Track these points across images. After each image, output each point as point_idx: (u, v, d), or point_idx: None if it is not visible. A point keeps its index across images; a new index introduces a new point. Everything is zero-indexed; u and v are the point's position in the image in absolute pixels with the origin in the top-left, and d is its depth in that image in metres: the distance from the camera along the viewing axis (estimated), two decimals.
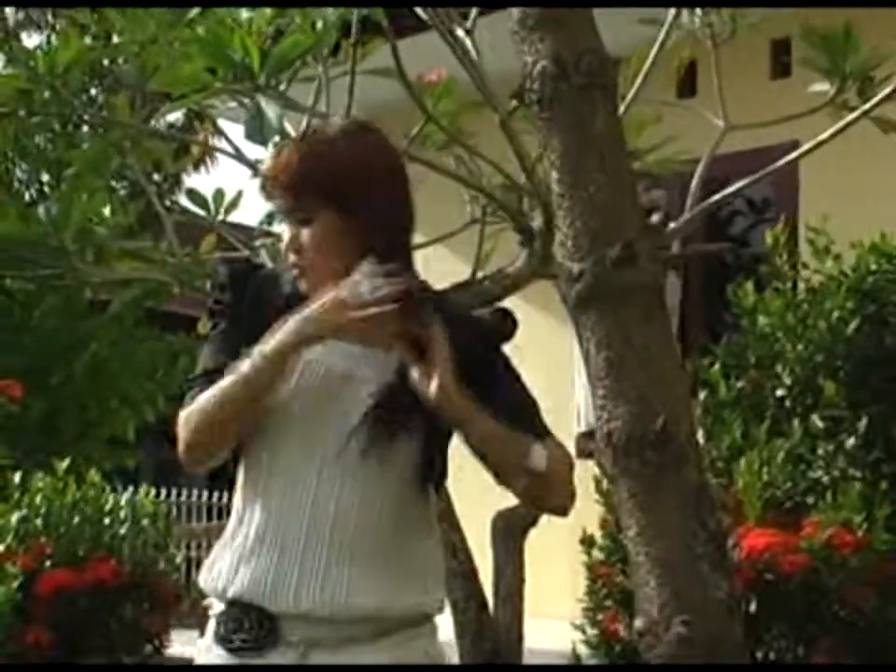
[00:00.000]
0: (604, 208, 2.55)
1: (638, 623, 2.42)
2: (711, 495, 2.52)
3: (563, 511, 2.13)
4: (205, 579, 2.14)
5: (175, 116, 15.83)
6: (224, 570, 2.12)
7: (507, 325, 2.21)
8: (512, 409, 2.10)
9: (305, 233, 2.09)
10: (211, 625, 2.15)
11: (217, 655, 2.13)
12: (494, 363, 2.15)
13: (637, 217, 2.58)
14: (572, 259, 2.55)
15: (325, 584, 2.06)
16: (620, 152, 2.64)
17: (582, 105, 2.59)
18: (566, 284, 2.57)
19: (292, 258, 2.12)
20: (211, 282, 2.30)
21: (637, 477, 2.49)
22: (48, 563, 4.82)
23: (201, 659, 2.16)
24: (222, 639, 2.11)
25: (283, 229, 2.16)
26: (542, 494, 2.13)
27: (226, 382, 2.07)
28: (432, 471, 2.14)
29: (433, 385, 2.02)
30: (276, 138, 3.93)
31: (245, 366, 2.06)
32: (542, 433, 2.11)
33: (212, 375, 2.12)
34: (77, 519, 4.89)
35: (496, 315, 2.22)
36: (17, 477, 5.18)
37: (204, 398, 2.10)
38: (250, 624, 2.10)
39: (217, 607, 2.14)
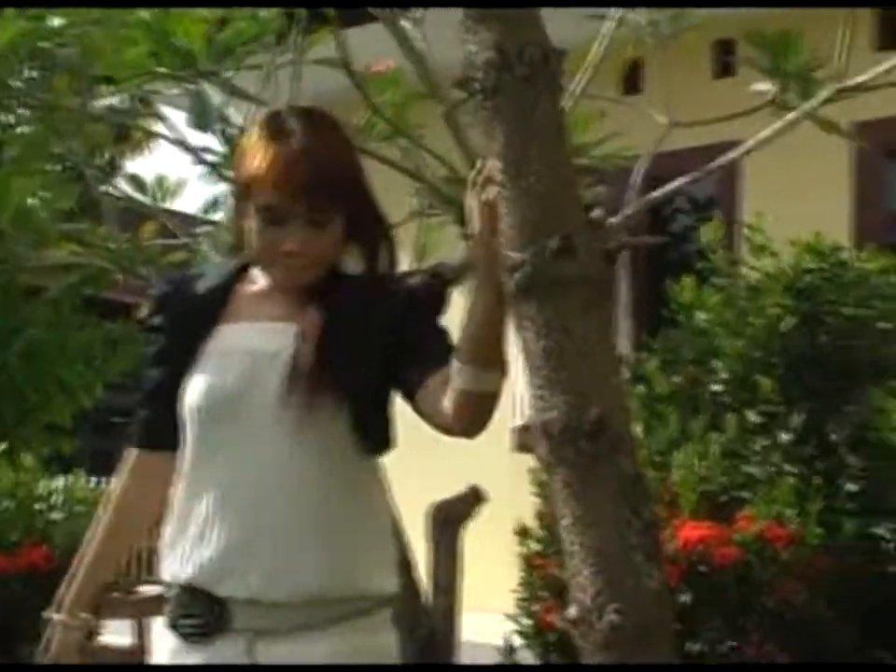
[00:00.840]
0: (544, 199, 2.56)
1: (572, 611, 2.44)
2: (646, 485, 2.54)
3: (475, 434, 2.16)
4: (162, 565, 2.16)
5: (116, 99, 15.68)
6: (177, 556, 2.14)
7: (436, 283, 2.28)
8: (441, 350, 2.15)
9: (318, 238, 2.12)
10: (165, 610, 2.17)
11: (169, 640, 2.15)
12: (425, 320, 2.20)
13: (577, 208, 2.59)
14: (512, 249, 2.56)
15: (270, 568, 2.08)
16: (561, 144, 2.65)
17: (525, 96, 2.60)
18: (505, 274, 2.58)
19: (294, 260, 2.13)
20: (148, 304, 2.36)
21: (571, 467, 2.51)
22: None
23: (156, 644, 2.19)
24: (172, 625, 2.14)
25: (254, 226, 2.14)
26: (475, 409, 2.15)
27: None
28: (367, 436, 2.15)
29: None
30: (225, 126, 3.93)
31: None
32: None
33: (151, 404, 2.24)
34: (10, 504, 4.85)
35: (424, 278, 2.29)
36: None
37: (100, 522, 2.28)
38: (199, 610, 2.12)
39: (171, 591, 2.16)
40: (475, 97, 2.59)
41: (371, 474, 2.21)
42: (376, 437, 2.19)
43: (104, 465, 18.04)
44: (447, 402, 2.13)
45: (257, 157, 2.13)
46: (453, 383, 2.12)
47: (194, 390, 2.15)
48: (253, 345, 2.15)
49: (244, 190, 2.16)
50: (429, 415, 2.16)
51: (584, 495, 2.43)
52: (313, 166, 2.10)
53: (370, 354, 2.14)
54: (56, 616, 2.26)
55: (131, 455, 2.30)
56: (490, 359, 2.16)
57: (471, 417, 2.16)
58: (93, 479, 13.89)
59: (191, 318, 2.21)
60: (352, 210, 2.15)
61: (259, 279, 2.23)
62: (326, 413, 2.11)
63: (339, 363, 2.11)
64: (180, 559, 2.13)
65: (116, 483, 2.30)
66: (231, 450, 2.12)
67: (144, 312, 2.39)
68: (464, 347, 2.12)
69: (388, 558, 2.22)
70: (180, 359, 2.18)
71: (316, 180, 2.09)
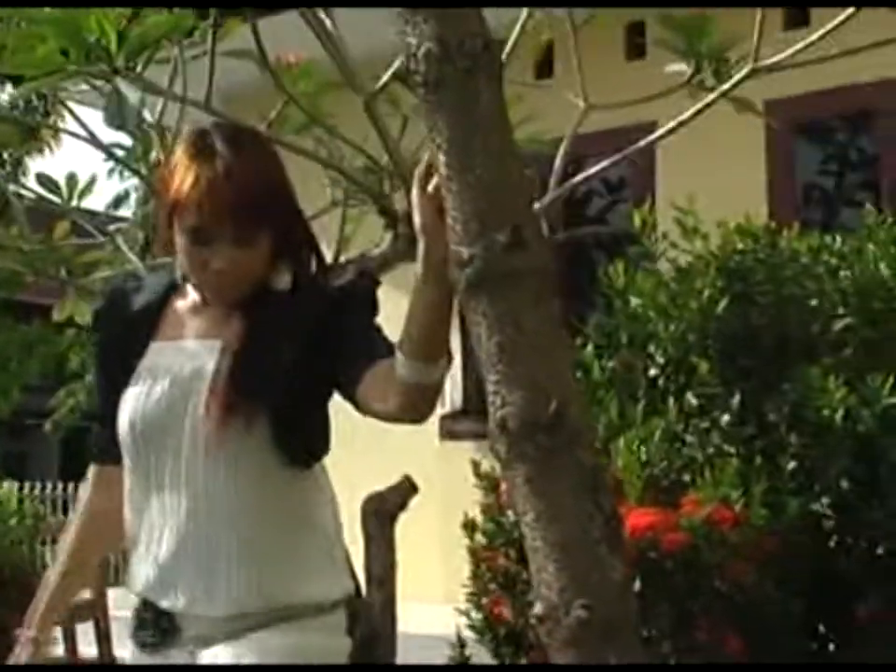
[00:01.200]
0: (491, 190, 2.55)
1: (538, 608, 2.42)
2: (605, 476, 2.53)
3: (420, 421, 2.18)
4: (125, 577, 2.25)
5: (20, 97, 15.44)
6: (131, 570, 2.22)
7: (363, 282, 2.29)
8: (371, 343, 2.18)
9: (246, 256, 2.14)
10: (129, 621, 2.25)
11: (131, 651, 2.23)
12: (354, 317, 2.22)
13: (525, 199, 2.57)
14: (461, 243, 2.53)
15: (193, 586, 2.14)
16: (505, 135, 2.63)
17: (467, 88, 2.58)
18: (455, 268, 2.55)
19: (221, 278, 2.15)
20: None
21: (531, 462, 2.49)
22: None
23: (124, 652, 2.27)
24: (132, 636, 2.22)
25: (181, 243, 2.17)
26: (420, 399, 2.17)
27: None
28: (289, 450, 2.16)
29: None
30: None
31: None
32: None
33: (98, 420, 2.30)
34: None
35: (350, 278, 2.31)
36: None
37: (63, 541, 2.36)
38: (153, 622, 2.19)
39: (132, 602, 2.24)
40: (416, 90, 2.56)
41: (304, 482, 2.22)
42: (299, 449, 2.19)
43: (17, 467, 17.80)
44: (393, 395, 2.14)
45: (182, 178, 2.14)
46: (398, 376, 2.13)
47: (123, 414, 2.19)
48: (175, 366, 2.18)
49: (170, 209, 2.17)
50: (373, 410, 2.18)
51: (545, 489, 2.42)
52: (236, 188, 2.12)
53: (290, 363, 2.15)
54: (26, 633, 2.30)
55: (93, 470, 2.35)
56: (436, 352, 2.17)
57: (421, 407, 2.19)
58: (22, 485, 13.75)
59: (125, 334, 2.23)
60: (278, 228, 2.17)
61: (190, 294, 2.26)
62: (244, 428, 2.13)
63: (256, 377, 2.12)
64: (134, 573, 2.21)
65: (81, 496, 2.35)
66: (161, 471, 2.16)
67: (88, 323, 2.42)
68: (409, 341, 2.13)
69: (328, 566, 2.23)
70: (116, 376, 2.22)
71: (240, 202, 2.11)
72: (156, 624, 2.17)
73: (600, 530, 2.40)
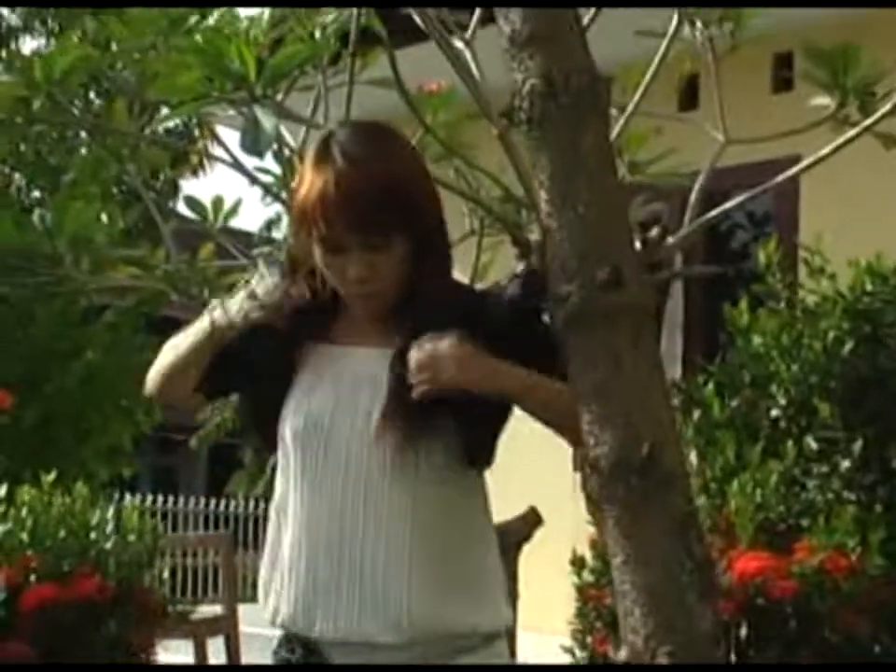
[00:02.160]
0: (592, 229, 2.52)
1: (623, 653, 2.38)
2: (699, 522, 2.48)
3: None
4: (262, 606, 2.13)
5: (174, 122, 15.83)
6: (271, 599, 2.11)
7: (530, 285, 2.28)
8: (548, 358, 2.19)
9: (383, 260, 2.09)
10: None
11: None
12: (526, 325, 2.22)
13: (626, 238, 2.55)
14: (560, 280, 2.51)
15: (358, 606, 2.01)
16: (609, 173, 2.61)
17: (571, 125, 2.56)
18: (553, 305, 2.54)
19: (360, 287, 2.10)
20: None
21: (622, 504, 2.45)
22: (32, 577, 4.79)
23: None
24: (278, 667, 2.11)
25: (319, 255, 2.12)
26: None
27: (196, 329, 2.22)
28: (478, 455, 2.13)
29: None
30: (273, 147, 3.92)
31: (214, 318, 2.19)
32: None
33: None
34: (62, 533, 4.86)
35: (516, 282, 2.32)
36: (2, 490, 5.15)
37: (180, 336, 2.27)
38: (297, 653, 2.08)
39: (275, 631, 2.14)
40: (521, 126, 2.55)
41: (473, 498, 2.17)
42: (485, 454, 2.16)
43: (166, 482, 18.14)
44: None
45: (308, 186, 2.11)
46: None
47: (287, 416, 2.11)
48: (346, 372, 2.12)
49: (299, 221, 2.14)
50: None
51: (635, 533, 2.38)
52: (361, 194, 2.06)
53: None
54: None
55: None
56: (547, 404, 2.19)
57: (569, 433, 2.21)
58: (156, 498, 14.02)
59: (295, 336, 2.17)
60: (412, 223, 2.11)
61: (350, 303, 2.19)
62: (427, 438, 2.06)
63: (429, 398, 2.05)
64: (274, 600, 2.09)
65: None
66: (317, 479, 2.07)
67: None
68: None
69: (490, 589, 2.15)
70: (279, 378, 2.15)
71: (366, 208, 2.05)
72: (304, 654, 2.05)
73: (690, 577, 2.35)
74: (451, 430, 2.08)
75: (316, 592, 2.03)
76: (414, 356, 2.03)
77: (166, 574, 5.83)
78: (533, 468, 7.30)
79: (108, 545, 4.98)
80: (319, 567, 2.04)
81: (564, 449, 2.48)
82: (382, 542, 2.03)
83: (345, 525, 2.03)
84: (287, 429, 2.10)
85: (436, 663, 2.03)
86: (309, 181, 2.12)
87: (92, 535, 4.99)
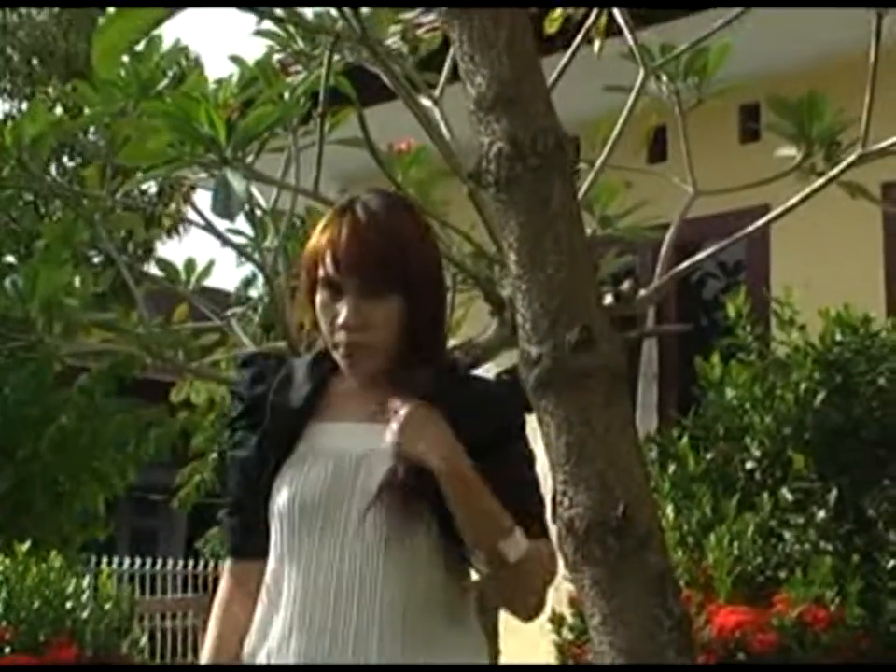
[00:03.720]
0: (561, 290, 2.52)
1: None
2: (675, 579, 2.48)
3: (525, 617, 2.09)
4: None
5: (148, 184, 15.87)
6: (255, 660, 2.11)
7: (517, 396, 2.24)
8: (513, 489, 2.13)
9: (377, 310, 2.12)
10: None
11: None
12: (506, 438, 2.19)
13: (595, 297, 2.55)
14: (530, 342, 2.51)
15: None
16: (578, 232, 2.61)
17: (539, 186, 2.57)
18: (524, 367, 2.53)
19: (350, 334, 2.12)
20: (234, 386, 2.33)
21: (598, 564, 2.44)
22: (7, 649, 4.73)
23: None
24: None
25: (318, 299, 2.16)
26: (507, 589, 2.11)
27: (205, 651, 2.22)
28: (458, 549, 2.11)
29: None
30: (244, 209, 3.93)
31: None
32: (536, 531, 2.15)
33: (240, 513, 2.21)
34: (37, 602, 4.80)
35: (505, 386, 2.28)
36: None
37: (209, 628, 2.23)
38: None
39: None
40: (488, 189, 2.56)
41: (460, 587, 2.17)
42: (461, 552, 2.14)
43: (145, 543, 17.97)
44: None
45: (322, 231, 2.18)
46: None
47: (282, 494, 2.12)
48: (340, 448, 2.13)
49: (310, 265, 2.18)
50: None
51: (612, 593, 2.37)
52: (364, 239, 2.13)
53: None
54: None
55: (229, 565, 2.26)
56: (476, 540, 2.10)
57: (511, 600, 2.14)
58: (137, 560, 13.92)
59: (286, 422, 2.17)
60: (409, 287, 2.14)
61: (348, 376, 2.21)
62: (417, 521, 2.08)
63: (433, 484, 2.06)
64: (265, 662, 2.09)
65: (219, 596, 2.26)
66: (312, 558, 2.08)
67: (232, 410, 2.32)
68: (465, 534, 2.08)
69: (476, 659, 2.16)
70: (269, 465, 2.16)
71: (369, 253, 2.12)
72: None
73: (668, 635, 2.34)
74: (433, 526, 2.09)
75: (304, 659, 2.05)
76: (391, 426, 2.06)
77: (145, 639, 5.77)
78: None
79: (84, 614, 4.93)
80: (312, 644, 2.06)
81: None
82: (376, 625, 2.05)
83: (340, 607, 2.05)
84: (282, 510, 2.12)
85: None
86: (325, 227, 2.19)
87: (68, 604, 4.95)
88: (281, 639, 2.08)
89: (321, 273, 2.14)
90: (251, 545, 2.20)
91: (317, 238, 2.19)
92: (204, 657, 2.22)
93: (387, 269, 2.12)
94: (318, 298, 2.16)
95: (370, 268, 2.12)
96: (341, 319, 2.11)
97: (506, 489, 2.12)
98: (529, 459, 2.22)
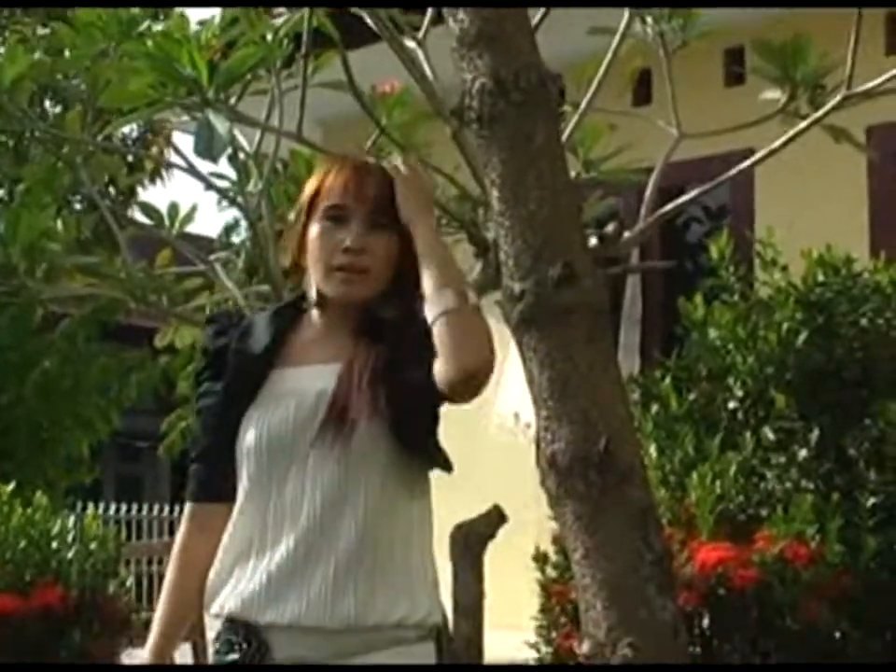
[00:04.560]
0: (544, 226, 2.54)
1: (585, 647, 2.40)
2: (657, 515, 2.51)
3: (472, 371, 2.12)
4: (206, 602, 2.23)
5: (130, 128, 15.77)
6: (227, 589, 2.20)
7: None
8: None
9: (379, 240, 2.25)
10: (212, 643, 2.22)
11: None
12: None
13: (578, 234, 2.56)
14: (513, 278, 2.53)
15: (312, 594, 2.12)
16: (561, 169, 2.62)
17: (522, 122, 2.58)
18: (507, 304, 2.55)
19: (354, 256, 2.24)
20: (202, 342, 2.45)
21: (581, 499, 2.48)
22: None
23: None
24: (218, 658, 2.18)
25: (317, 228, 2.27)
26: (465, 329, 2.13)
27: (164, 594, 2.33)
28: (414, 448, 2.19)
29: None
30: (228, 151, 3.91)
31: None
32: None
33: (208, 456, 2.30)
34: (23, 543, 4.82)
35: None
36: None
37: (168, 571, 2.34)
38: (241, 643, 2.15)
39: (214, 624, 2.21)
40: (471, 126, 2.56)
41: (422, 501, 2.25)
42: (423, 449, 2.22)
43: (131, 490, 17.96)
44: (441, 348, 2.14)
45: (324, 174, 2.31)
46: (431, 320, 2.15)
47: (248, 434, 2.23)
48: (301, 388, 2.24)
49: (310, 203, 2.31)
50: (444, 381, 2.14)
51: (595, 527, 2.40)
52: (380, 180, 2.28)
53: (411, 382, 2.18)
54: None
55: (189, 509, 2.33)
56: (447, 279, 2.19)
57: (466, 346, 2.13)
58: (123, 506, 13.94)
59: (247, 368, 2.29)
60: (404, 230, 2.25)
61: (311, 324, 2.33)
62: (370, 441, 2.17)
63: (379, 390, 2.17)
64: (230, 592, 2.19)
65: (178, 540, 2.33)
66: (279, 486, 2.19)
67: (199, 363, 2.42)
68: (424, 283, 2.20)
69: (431, 586, 2.24)
70: (236, 408, 2.26)
71: (383, 190, 2.26)
72: (248, 645, 2.13)
73: (650, 569, 2.37)
74: (390, 436, 2.18)
75: (272, 584, 2.15)
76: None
77: (131, 582, 5.80)
78: (495, 465, 7.30)
79: (70, 555, 4.95)
80: (279, 561, 2.16)
81: (526, 445, 2.48)
82: (341, 539, 2.15)
83: (308, 525, 2.16)
84: (249, 443, 2.23)
85: (376, 650, 2.15)
86: (327, 171, 2.33)
87: (54, 545, 4.96)
88: (253, 561, 2.18)
89: (326, 203, 2.27)
90: (215, 488, 2.28)
91: (320, 177, 2.32)
92: (164, 602, 2.31)
93: (390, 206, 2.25)
94: (317, 227, 2.27)
95: (377, 200, 2.26)
96: (348, 242, 2.23)
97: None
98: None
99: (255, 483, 2.21)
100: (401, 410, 2.17)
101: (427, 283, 2.19)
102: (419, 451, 2.21)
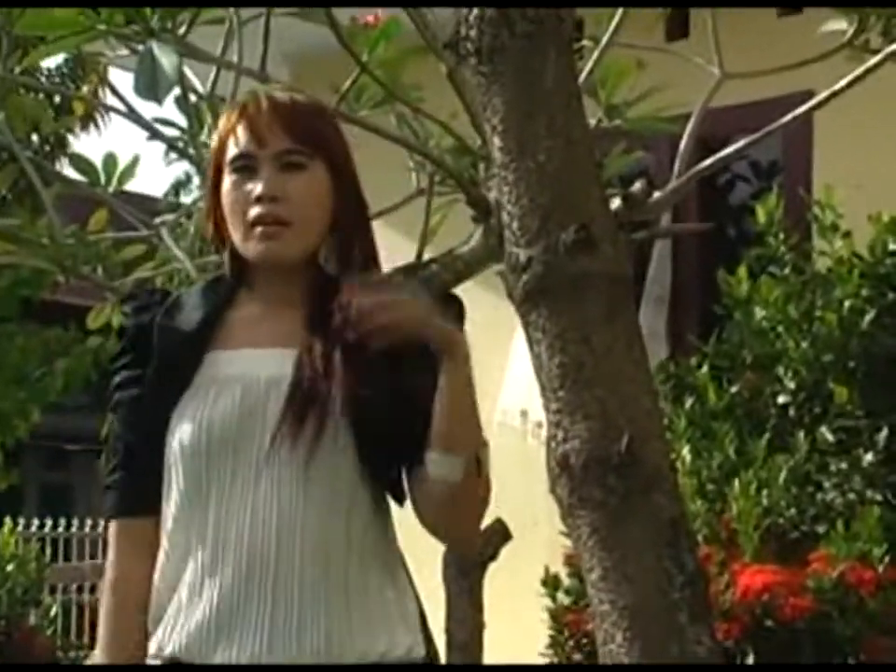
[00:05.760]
0: (555, 181, 2.55)
1: None
2: (689, 528, 2.53)
3: (459, 541, 2.30)
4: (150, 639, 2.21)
5: (56, 63, 15.73)
6: (163, 626, 2.19)
7: (452, 313, 2.29)
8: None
9: (297, 179, 2.24)
10: None
11: None
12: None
13: (596, 191, 2.57)
14: (518, 244, 2.54)
15: (270, 627, 2.13)
16: (576, 114, 2.64)
17: (529, 58, 2.58)
18: (511, 274, 2.57)
19: (268, 207, 2.22)
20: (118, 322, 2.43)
21: (598, 508, 2.49)
22: None
23: None
24: None
25: (232, 179, 2.27)
26: (460, 501, 2.21)
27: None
28: (378, 473, 2.21)
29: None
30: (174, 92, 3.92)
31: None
32: None
33: (130, 464, 2.28)
34: None
35: (440, 305, 2.29)
36: None
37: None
38: None
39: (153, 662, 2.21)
40: (469, 60, 2.57)
41: (385, 518, 2.27)
42: (386, 472, 2.24)
43: (58, 502, 17.87)
44: (422, 497, 2.21)
45: (229, 120, 2.30)
46: (426, 473, 2.19)
47: (182, 430, 2.21)
48: (247, 372, 2.23)
49: (217, 158, 2.30)
50: (416, 506, 2.23)
51: (615, 542, 2.42)
52: (282, 108, 2.27)
53: (378, 381, 2.19)
54: None
55: (116, 528, 2.32)
56: (456, 442, 2.19)
57: (451, 516, 2.23)
58: (48, 520, 13.94)
59: (176, 350, 2.27)
60: (333, 160, 2.26)
61: (250, 301, 2.32)
62: (334, 448, 2.17)
63: (348, 390, 2.17)
64: (166, 629, 2.19)
65: (108, 569, 2.32)
66: (222, 495, 2.18)
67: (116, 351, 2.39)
68: (432, 431, 2.18)
69: (406, 615, 2.26)
70: (164, 399, 2.25)
71: (283, 119, 2.26)
72: None
73: (680, 593, 2.39)
74: (355, 447, 2.19)
75: (221, 617, 2.15)
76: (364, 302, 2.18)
77: (57, 612, 5.82)
78: (498, 472, 7.32)
79: None
80: (227, 590, 2.16)
81: (535, 448, 2.51)
82: (293, 561, 2.16)
83: (254, 543, 2.16)
84: (186, 444, 2.21)
85: None
86: (227, 116, 2.32)
87: None
88: (192, 590, 2.18)
89: (231, 153, 2.27)
90: (146, 499, 2.27)
91: (224, 125, 2.31)
92: (102, 625, 2.29)
93: (304, 134, 2.26)
94: (227, 183, 2.27)
95: (289, 137, 2.24)
96: (257, 192, 2.22)
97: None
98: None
99: (191, 493, 2.21)
100: (370, 425, 2.18)
101: (438, 432, 2.18)
102: (386, 475, 2.24)
